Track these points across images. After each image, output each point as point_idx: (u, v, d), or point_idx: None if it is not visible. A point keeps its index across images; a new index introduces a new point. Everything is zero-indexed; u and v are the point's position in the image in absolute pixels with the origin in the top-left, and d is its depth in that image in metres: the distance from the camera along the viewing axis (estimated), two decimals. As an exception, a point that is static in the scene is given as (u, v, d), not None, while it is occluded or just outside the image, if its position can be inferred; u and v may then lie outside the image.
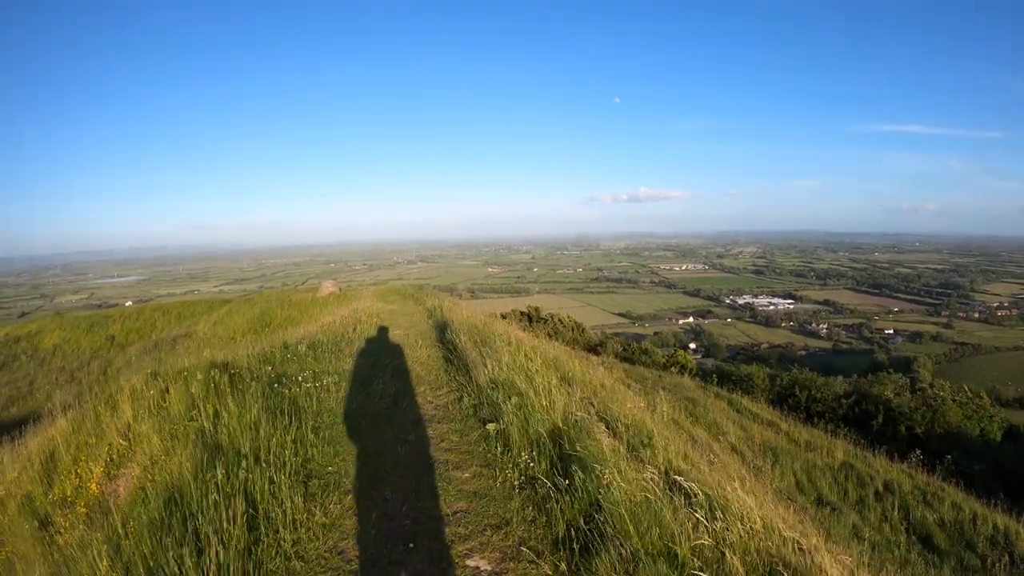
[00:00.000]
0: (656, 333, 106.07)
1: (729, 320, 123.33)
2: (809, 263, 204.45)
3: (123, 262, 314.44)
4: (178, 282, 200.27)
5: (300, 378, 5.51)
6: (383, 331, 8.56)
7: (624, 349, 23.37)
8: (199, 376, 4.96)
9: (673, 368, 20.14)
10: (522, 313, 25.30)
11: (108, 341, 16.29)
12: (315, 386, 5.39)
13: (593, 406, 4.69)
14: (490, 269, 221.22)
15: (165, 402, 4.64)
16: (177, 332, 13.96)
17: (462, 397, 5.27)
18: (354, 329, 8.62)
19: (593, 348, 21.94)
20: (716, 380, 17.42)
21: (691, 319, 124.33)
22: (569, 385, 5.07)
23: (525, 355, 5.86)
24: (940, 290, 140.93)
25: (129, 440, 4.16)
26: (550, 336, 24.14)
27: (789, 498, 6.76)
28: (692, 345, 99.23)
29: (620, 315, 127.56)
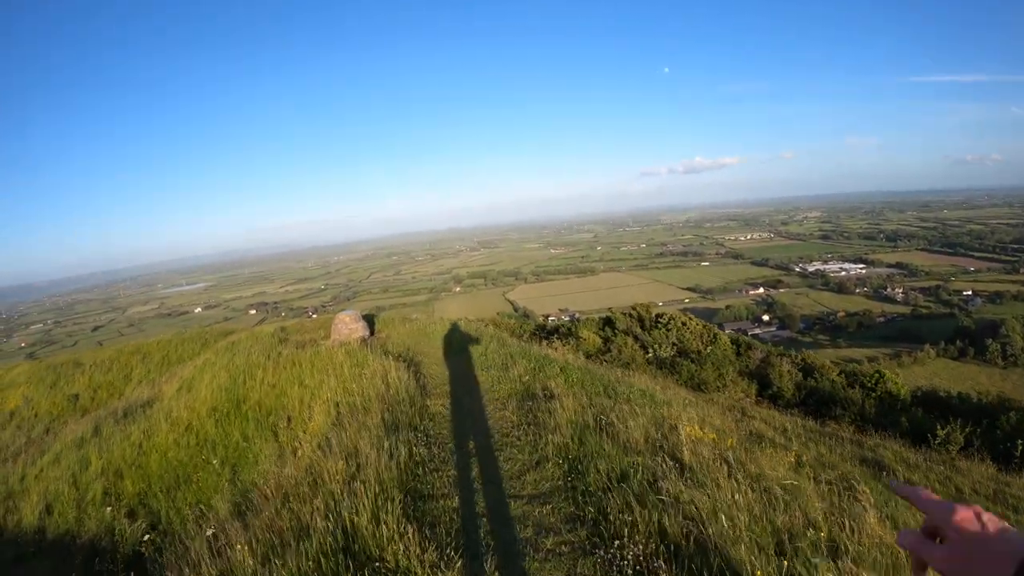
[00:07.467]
0: (728, 307, 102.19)
1: (801, 289, 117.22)
2: (877, 224, 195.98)
3: (189, 270, 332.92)
4: (244, 285, 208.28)
5: None
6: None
7: (801, 371, 15.74)
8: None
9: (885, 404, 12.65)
10: (630, 315, 19.95)
11: (71, 402, 13.17)
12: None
13: None
14: (552, 251, 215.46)
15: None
16: (145, 395, 10.82)
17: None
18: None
19: (755, 374, 15.59)
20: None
21: (761, 290, 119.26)
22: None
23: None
24: (1016, 246, 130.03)
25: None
26: (676, 346, 18.02)
27: None
28: (765, 317, 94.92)
29: (689, 289, 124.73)
